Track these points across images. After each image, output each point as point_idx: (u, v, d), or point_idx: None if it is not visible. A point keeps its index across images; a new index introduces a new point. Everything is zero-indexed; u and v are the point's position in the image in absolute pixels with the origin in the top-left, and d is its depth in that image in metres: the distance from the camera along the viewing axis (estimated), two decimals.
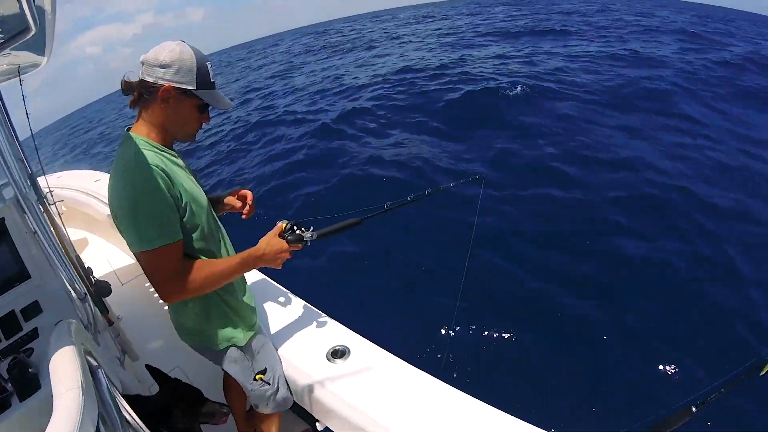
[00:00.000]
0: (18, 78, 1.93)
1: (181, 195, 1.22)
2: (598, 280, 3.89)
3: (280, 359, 1.60)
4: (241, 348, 1.49)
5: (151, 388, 2.21)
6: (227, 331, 1.45)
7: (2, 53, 1.33)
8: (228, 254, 1.47)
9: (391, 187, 5.77)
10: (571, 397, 2.90)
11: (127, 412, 1.18)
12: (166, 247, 1.16)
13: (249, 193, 1.67)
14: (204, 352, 1.52)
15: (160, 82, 1.18)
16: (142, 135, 1.24)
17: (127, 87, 1.24)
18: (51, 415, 1.46)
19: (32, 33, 1.10)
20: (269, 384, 1.52)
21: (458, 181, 1.99)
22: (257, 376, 1.50)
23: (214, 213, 1.45)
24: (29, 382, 1.43)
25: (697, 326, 3.39)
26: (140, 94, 1.23)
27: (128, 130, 1.27)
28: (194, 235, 1.29)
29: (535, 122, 7.66)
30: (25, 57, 1.83)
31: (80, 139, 21.69)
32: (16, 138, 1.81)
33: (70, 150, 19.23)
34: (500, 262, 4.20)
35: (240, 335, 1.48)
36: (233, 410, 1.89)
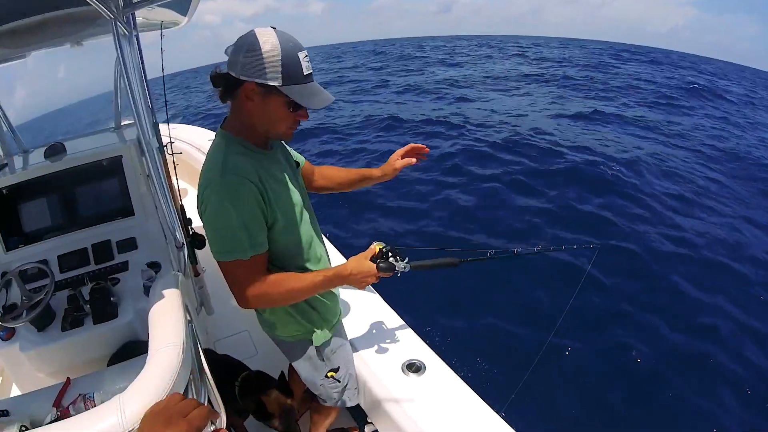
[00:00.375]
0: (159, 32, 2.07)
1: (272, 206, 1.16)
2: None
3: (353, 359, 1.56)
4: (317, 347, 1.43)
5: (216, 343, 2.31)
6: (305, 329, 1.39)
7: (149, 7, 1.43)
8: (320, 267, 1.39)
9: (498, 232, 5.28)
10: None
11: (205, 366, 1.23)
12: (246, 261, 1.12)
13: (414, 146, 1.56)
14: (278, 344, 1.48)
15: (243, 77, 1.06)
16: (234, 133, 1.17)
17: (215, 80, 1.14)
18: (117, 345, 1.58)
19: None
20: (339, 382, 1.48)
21: (570, 246, 1.86)
22: (329, 374, 1.46)
23: (312, 220, 1.39)
24: (107, 309, 1.55)
25: None
26: (226, 88, 1.13)
27: (222, 126, 1.21)
28: (283, 246, 1.24)
29: None
30: (170, 15, 1.98)
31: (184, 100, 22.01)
32: (147, 86, 1.97)
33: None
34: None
35: (318, 335, 1.40)
36: (294, 391, 1.93)
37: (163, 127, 2.10)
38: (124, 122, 2.23)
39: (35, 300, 1.44)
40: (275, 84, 1.05)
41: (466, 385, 1.50)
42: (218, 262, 1.15)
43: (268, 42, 1.03)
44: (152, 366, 1.00)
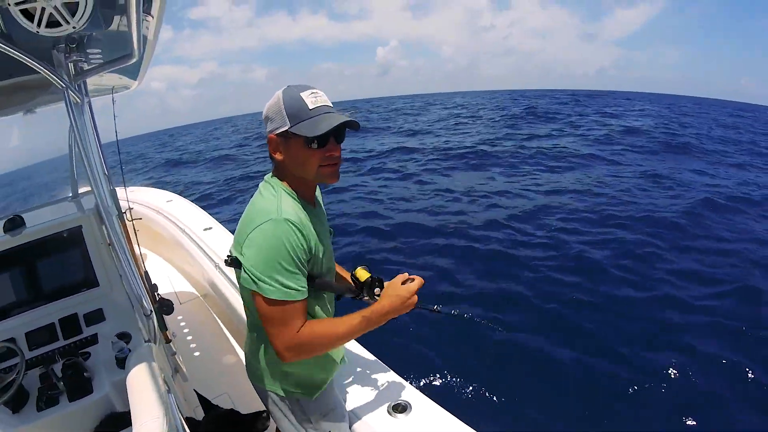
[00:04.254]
0: (111, 96, 2.06)
1: (315, 253, 1.16)
2: None
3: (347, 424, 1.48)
4: (304, 404, 1.34)
5: (196, 409, 2.19)
6: (294, 385, 1.31)
7: (99, 74, 1.43)
8: (329, 310, 1.36)
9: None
10: None
11: None
12: (297, 303, 1.09)
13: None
14: (262, 398, 1.40)
15: (267, 133, 1.15)
16: (284, 184, 1.19)
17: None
18: (95, 422, 1.49)
19: (134, 60, 1.17)
20: None
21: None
22: None
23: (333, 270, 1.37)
24: (81, 385, 1.49)
25: None
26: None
27: (272, 174, 1.23)
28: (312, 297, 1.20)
29: None
30: (119, 80, 1.97)
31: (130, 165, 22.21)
32: (102, 152, 1.92)
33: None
34: None
35: (310, 386, 1.33)
36: None
37: (120, 192, 2.06)
38: (81, 190, 2.17)
39: (7, 381, 1.37)
40: (285, 128, 1.09)
41: (454, 417, 1.49)
42: (260, 305, 1.09)
43: (275, 96, 1.12)
44: None
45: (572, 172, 10.89)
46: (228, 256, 1.21)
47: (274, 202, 1.12)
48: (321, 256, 1.20)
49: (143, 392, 1.11)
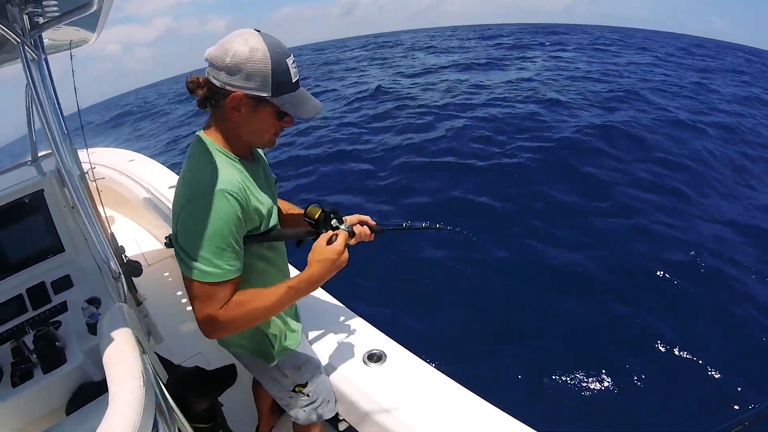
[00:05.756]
0: (69, 52, 1.94)
1: (255, 218, 1.11)
2: None
3: (324, 372, 1.51)
4: (278, 362, 1.35)
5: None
6: (261, 342, 1.31)
7: (55, 27, 1.35)
8: (283, 274, 1.34)
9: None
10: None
11: (170, 399, 1.18)
12: (223, 283, 1.04)
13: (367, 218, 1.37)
14: (237, 358, 1.41)
15: (228, 88, 1.00)
16: (218, 142, 1.10)
17: (193, 86, 1.06)
18: (71, 392, 1.48)
19: (93, 9, 1.11)
20: (308, 396, 1.42)
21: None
22: (297, 388, 1.40)
23: (282, 243, 1.34)
24: (54, 356, 1.46)
25: None
26: (207, 96, 1.06)
27: (204, 130, 1.13)
28: (249, 266, 1.16)
29: None
30: (77, 33, 1.85)
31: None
32: (62, 111, 1.83)
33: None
34: None
35: (278, 349, 1.33)
36: (258, 404, 1.84)
37: (81, 154, 1.97)
38: (40, 153, 2.07)
39: None
40: (264, 95, 1.01)
41: (429, 366, 1.54)
42: (187, 283, 1.05)
43: (256, 49, 0.97)
44: (116, 404, 0.95)
45: None
46: (166, 238, 1.15)
47: (207, 170, 1.04)
48: (265, 212, 1.15)
49: (117, 355, 1.11)
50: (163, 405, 1.09)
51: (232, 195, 1.01)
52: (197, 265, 1.01)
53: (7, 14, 1.09)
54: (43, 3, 1.17)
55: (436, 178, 6.53)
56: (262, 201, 1.14)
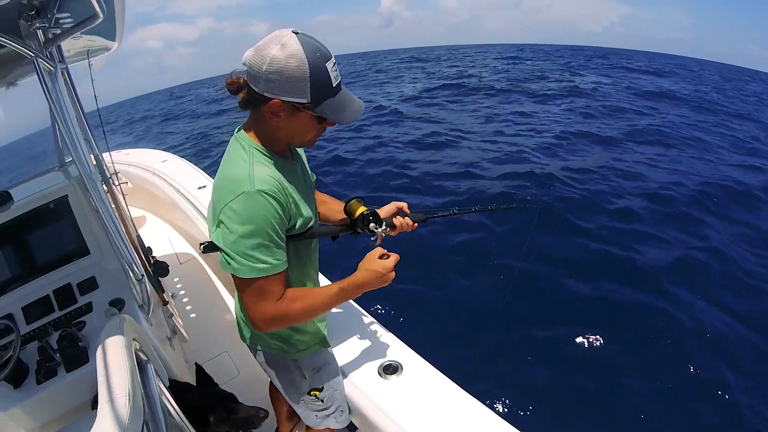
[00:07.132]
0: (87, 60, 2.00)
1: (294, 215, 1.12)
2: None
3: (342, 382, 1.49)
4: (296, 362, 1.37)
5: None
6: (284, 341, 1.33)
7: (73, 37, 1.38)
8: (315, 276, 1.36)
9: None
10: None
11: (172, 406, 1.18)
12: (270, 278, 1.06)
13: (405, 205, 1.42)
14: (256, 355, 1.42)
15: (267, 95, 0.99)
16: (255, 140, 1.11)
17: (235, 88, 1.07)
18: (95, 389, 1.54)
19: (100, 20, 1.12)
20: (322, 402, 1.41)
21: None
22: (312, 392, 1.40)
23: (317, 242, 1.35)
24: (77, 355, 1.50)
25: None
26: (247, 100, 1.07)
27: (243, 128, 1.14)
28: (294, 254, 1.19)
29: None
30: (96, 41, 1.90)
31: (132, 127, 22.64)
32: (84, 118, 1.89)
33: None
34: None
35: (302, 345, 1.35)
36: (276, 409, 1.85)
37: (114, 155, 2.04)
38: (67, 159, 2.16)
39: (5, 358, 1.40)
40: (303, 101, 0.99)
41: (446, 378, 1.48)
42: (237, 283, 1.09)
43: (293, 56, 0.95)
44: (100, 422, 0.95)
45: None
46: (201, 244, 1.17)
47: (245, 169, 1.04)
48: (303, 211, 1.16)
49: (108, 369, 1.10)
50: (161, 419, 1.09)
51: (271, 194, 1.02)
52: (245, 262, 1.03)
53: (20, 29, 1.12)
54: (57, 16, 1.20)
55: None
56: (301, 198, 1.15)
